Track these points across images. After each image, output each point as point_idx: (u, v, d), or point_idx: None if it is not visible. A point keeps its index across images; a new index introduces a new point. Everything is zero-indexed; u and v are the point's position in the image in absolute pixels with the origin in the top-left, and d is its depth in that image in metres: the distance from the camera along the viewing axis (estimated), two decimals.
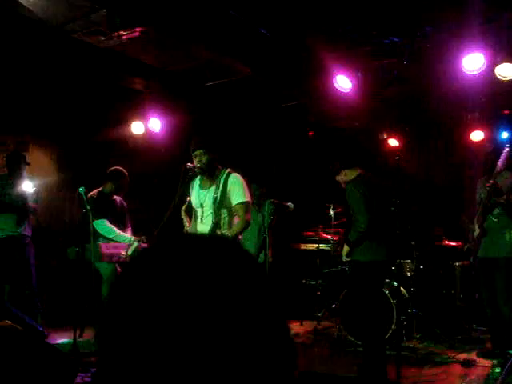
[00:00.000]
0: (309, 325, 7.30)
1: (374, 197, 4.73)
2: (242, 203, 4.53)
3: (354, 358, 5.62)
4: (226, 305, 0.70)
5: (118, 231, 6.02)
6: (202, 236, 0.82)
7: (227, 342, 0.69)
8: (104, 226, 5.97)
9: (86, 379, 4.39)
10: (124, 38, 5.57)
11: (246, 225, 4.56)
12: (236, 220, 4.53)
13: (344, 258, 4.89)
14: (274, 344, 0.73)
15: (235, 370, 0.68)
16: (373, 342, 4.72)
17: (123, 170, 6.31)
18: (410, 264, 6.71)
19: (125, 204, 6.49)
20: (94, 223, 5.77)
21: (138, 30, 5.45)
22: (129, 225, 6.41)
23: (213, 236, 0.82)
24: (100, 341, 0.75)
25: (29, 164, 6.34)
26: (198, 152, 4.57)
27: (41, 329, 5.46)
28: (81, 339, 5.35)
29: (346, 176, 4.88)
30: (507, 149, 5.13)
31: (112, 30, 5.46)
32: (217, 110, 8.20)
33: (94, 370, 4.62)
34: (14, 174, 6.09)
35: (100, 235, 5.91)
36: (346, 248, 4.83)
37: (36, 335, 4.53)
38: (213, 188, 4.62)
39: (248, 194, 4.62)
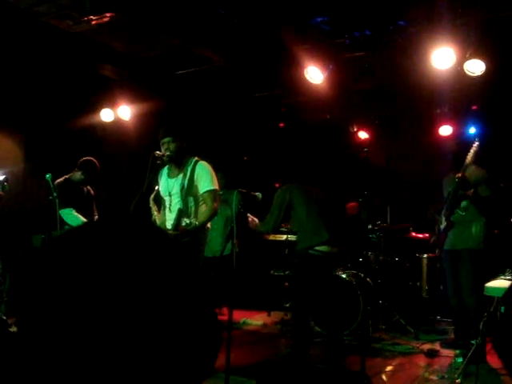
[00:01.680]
0: (276, 315, 7.33)
1: (303, 204, 5.05)
2: (209, 191, 4.51)
3: (320, 348, 5.67)
4: (148, 286, 0.70)
5: (84, 220, 5.94)
6: (129, 220, 0.81)
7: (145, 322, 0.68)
8: (71, 215, 5.88)
9: None
10: (94, 23, 5.48)
11: (214, 213, 4.53)
12: (203, 208, 4.51)
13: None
14: (197, 323, 0.73)
15: (156, 345, 0.68)
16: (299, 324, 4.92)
17: (96, 162, 6.20)
18: (376, 256, 6.79)
19: (92, 192, 6.41)
20: (61, 212, 5.68)
21: (107, 15, 5.36)
22: (95, 213, 6.33)
23: (137, 220, 0.81)
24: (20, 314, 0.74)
25: None
26: (166, 139, 4.54)
27: (5, 318, 5.39)
28: None
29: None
30: (476, 143, 5.20)
31: (82, 15, 5.37)
32: (187, 99, 8.14)
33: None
34: None
35: (66, 223, 5.82)
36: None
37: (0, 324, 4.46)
38: (180, 176, 4.58)
39: (216, 183, 4.60)
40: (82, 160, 6.15)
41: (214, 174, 4.63)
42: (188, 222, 4.34)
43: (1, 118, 7.07)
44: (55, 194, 5.37)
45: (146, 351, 0.70)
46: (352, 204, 7.18)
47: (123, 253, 0.74)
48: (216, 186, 4.59)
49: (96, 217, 6.28)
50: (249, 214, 5.33)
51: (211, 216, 4.53)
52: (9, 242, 6.54)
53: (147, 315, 0.71)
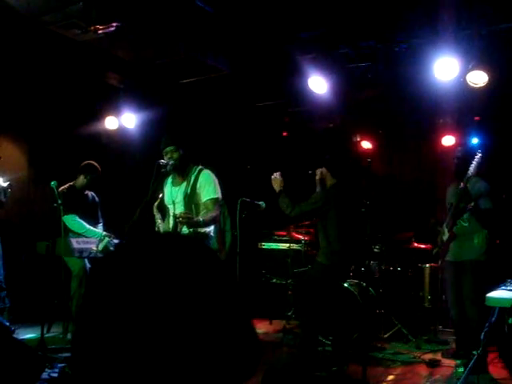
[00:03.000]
0: (278, 324, 7.34)
1: (340, 206, 5.12)
2: (212, 199, 4.50)
3: (322, 356, 5.68)
4: (192, 301, 0.72)
5: (88, 226, 5.98)
6: (172, 235, 0.84)
7: (194, 336, 0.71)
8: (74, 221, 5.92)
9: (53, 375, 4.36)
10: (100, 32, 5.53)
11: (216, 217, 4.51)
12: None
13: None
14: (238, 337, 0.76)
15: (200, 362, 0.71)
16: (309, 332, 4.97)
17: (96, 165, 6.26)
18: (378, 265, 6.80)
19: (97, 199, 6.45)
20: (64, 218, 5.72)
21: (114, 24, 5.41)
22: (100, 220, 6.37)
23: (182, 235, 0.84)
24: (76, 336, 0.76)
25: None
26: (168, 149, 4.56)
27: (8, 324, 5.42)
28: (48, 335, 5.31)
29: (324, 173, 5.32)
30: (479, 155, 5.20)
31: (88, 24, 5.42)
32: (192, 107, 8.18)
33: (60, 365, 4.59)
34: None
35: (70, 230, 5.86)
36: (279, 182, 5.33)
37: (3, 330, 4.49)
38: (184, 184, 4.60)
39: (219, 191, 4.59)
40: (82, 164, 6.22)
41: (217, 182, 4.64)
42: (187, 231, 4.35)
43: (6, 125, 7.13)
44: (59, 202, 5.42)
45: (189, 360, 0.72)
46: None
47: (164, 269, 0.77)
48: (219, 195, 4.59)
49: (101, 224, 6.32)
50: (276, 175, 5.37)
51: (213, 218, 4.48)
52: (13, 248, 6.57)
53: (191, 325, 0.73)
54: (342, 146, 8.67)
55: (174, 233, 4.20)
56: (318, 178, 5.39)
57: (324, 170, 5.35)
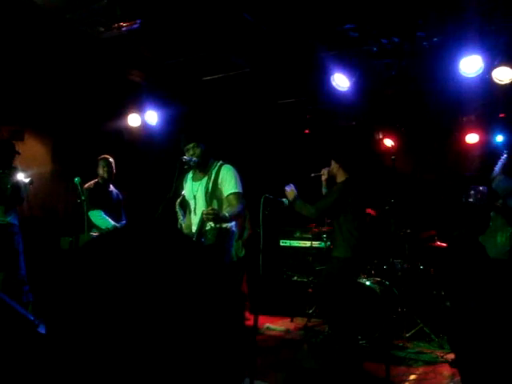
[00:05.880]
0: (299, 321, 7.33)
1: (355, 201, 5.05)
2: (234, 193, 4.48)
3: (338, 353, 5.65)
4: (170, 291, 0.70)
5: (112, 222, 6.03)
6: (156, 226, 0.81)
7: (172, 329, 0.69)
8: (100, 216, 5.97)
9: None
10: (124, 29, 5.55)
11: (240, 212, 4.50)
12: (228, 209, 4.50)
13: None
14: (223, 333, 0.74)
15: (182, 356, 0.68)
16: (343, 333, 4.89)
17: (101, 156, 6.30)
18: (401, 263, 6.75)
19: (121, 197, 6.50)
20: (90, 213, 5.77)
21: (138, 21, 5.43)
22: (123, 218, 6.41)
23: (165, 226, 0.81)
24: (49, 324, 0.75)
25: (19, 153, 6.30)
26: (189, 146, 4.55)
27: (32, 318, 5.49)
28: None
29: (335, 170, 5.23)
30: (505, 155, 5.15)
31: (112, 21, 5.45)
32: (214, 105, 8.19)
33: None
34: (4, 164, 6.07)
35: (94, 226, 5.91)
36: (291, 193, 5.16)
37: (28, 324, 4.54)
38: (205, 179, 4.59)
39: (240, 186, 4.56)
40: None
41: (238, 176, 4.61)
42: (212, 225, 4.34)
43: (30, 122, 7.21)
44: (83, 198, 5.47)
45: (172, 358, 0.70)
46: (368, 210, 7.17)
47: (149, 259, 0.75)
48: (240, 189, 4.56)
49: (124, 222, 6.36)
50: (288, 188, 5.25)
51: (238, 212, 4.46)
52: (36, 243, 6.64)
53: (172, 321, 0.72)
54: (363, 144, 8.63)
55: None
56: (324, 177, 5.29)
57: (335, 166, 5.23)
